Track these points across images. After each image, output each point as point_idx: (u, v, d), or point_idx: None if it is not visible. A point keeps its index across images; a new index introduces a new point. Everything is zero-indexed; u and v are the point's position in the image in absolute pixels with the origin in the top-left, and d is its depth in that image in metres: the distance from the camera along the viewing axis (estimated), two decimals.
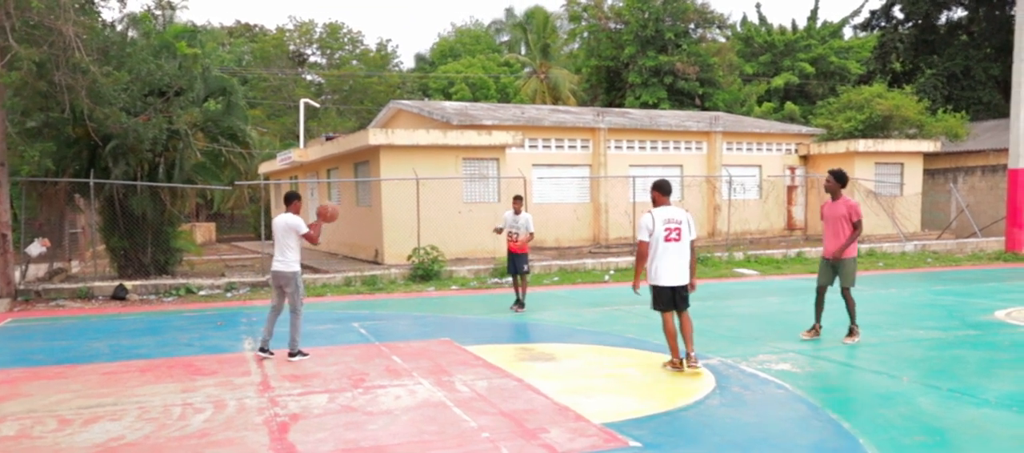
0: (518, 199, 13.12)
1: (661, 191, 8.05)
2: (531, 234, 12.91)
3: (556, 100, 42.80)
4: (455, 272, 18.09)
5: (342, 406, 6.92)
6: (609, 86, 44.19)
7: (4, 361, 9.51)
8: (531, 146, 24.71)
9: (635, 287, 8.24)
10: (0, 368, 8.99)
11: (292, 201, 9.24)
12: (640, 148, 27.01)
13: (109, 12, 15.44)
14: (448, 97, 45.89)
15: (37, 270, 18.35)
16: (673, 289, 7.94)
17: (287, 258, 9.04)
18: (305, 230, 9.03)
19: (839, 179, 9.46)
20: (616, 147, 26.46)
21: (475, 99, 44.43)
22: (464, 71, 46.95)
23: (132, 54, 15.82)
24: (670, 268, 7.92)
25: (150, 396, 7.42)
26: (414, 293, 16.17)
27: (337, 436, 6.05)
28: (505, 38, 53.76)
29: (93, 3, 15.39)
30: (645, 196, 25.30)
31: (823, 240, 9.64)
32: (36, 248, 16.87)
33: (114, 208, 16.97)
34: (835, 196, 9.47)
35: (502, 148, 21.18)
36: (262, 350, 9.19)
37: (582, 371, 8.35)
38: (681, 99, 40.68)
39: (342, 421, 6.46)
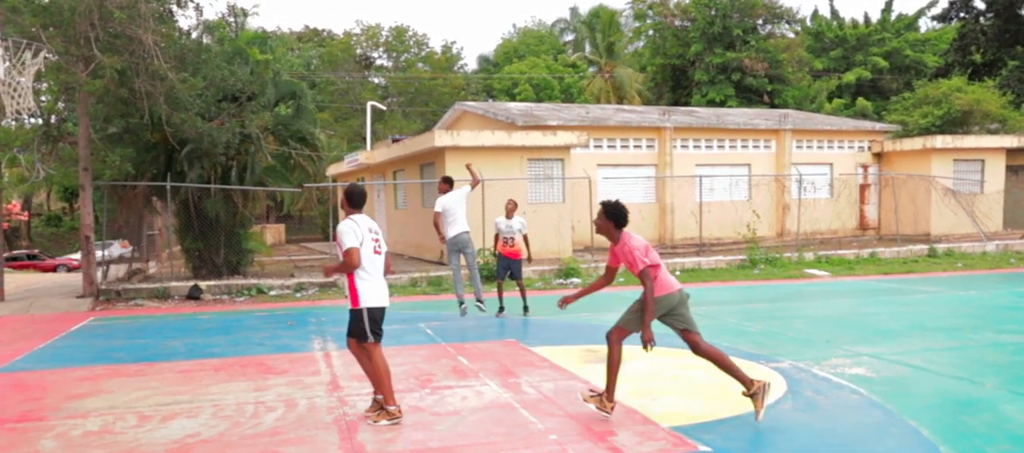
0: (512, 202, 12.94)
1: (351, 201, 6.55)
2: (524, 236, 12.81)
3: (621, 99, 42.51)
4: None
5: (410, 406, 6.98)
6: (675, 84, 43.70)
7: (87, 358, 9.88)
8: (596, 146, 24.57)
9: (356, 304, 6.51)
10: (84, 365, 9.34)
11: (450, 181, 11.79)
12: (707, 147, 26.62)
13: (185, 20, 16.07)
14: (512, 98, 46.02)
15: (117, 270, 19.04)
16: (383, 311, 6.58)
17: (465, 224, 11.69)
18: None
19: (611, 216, 6.40)
20: (682, 146, 26.12)
21: (539, 99, 44.45)
22: (528, 72, 46.98)
23: (207, 61, 16.31)
24: (383, 286, 6.59)
25: (224, 394, 7.60)
26: None
27: (405, 436, 6.11)
28: (569, 38, 53.64)
29: (171, 12, 15.91)
30: (711, 196, 25.09)
31: None
32: (116, 249, 17.50)
33: (189, 210, 17.50)
34: (613, 239, 6.48)
35: (567, 148, 21.12)
36: (461, 302, 12.02)
37: (648, 373, 8.26)
38: (749, 96, 39.99)
39: (410, 421, 6.52)
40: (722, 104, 38.71)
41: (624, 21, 49.54)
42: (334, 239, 6.79)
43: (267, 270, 20.13)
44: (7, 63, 6.68)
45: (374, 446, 5.88)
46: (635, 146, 25.67)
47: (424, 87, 49.34)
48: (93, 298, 15.95)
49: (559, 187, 21.21)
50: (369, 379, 6.68)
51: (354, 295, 6.41)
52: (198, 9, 18.07)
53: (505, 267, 12.78)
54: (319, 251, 29.11)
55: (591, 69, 47.54)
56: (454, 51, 54.60)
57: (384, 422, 6.38)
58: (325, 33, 55.25)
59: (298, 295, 16.43)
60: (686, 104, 40.63)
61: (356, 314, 6.47)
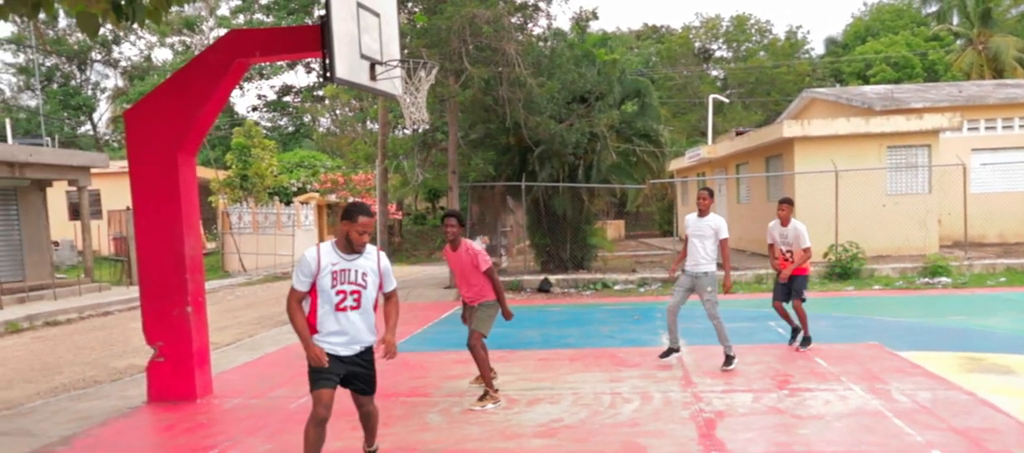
0: (786, 203, 9.38)
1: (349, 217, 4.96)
2: (807, 250, 9.16)
3: (997, 73, 37.20)
4: (877, 270, 16.68)
5: (768, 407, 6.73)
6: None
7: (457, 343, 10.79)
8: (970, 128, 21.84)
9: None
10: (455, 349, 10.29)
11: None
12: None
13: (538, 29, 17.16)
14: (865, 81, 42.47)
15: None
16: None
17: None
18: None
19: (463, 222, 7.46)
20: None
21: (898, 80, 40.49)
22: (884, 51, 43.00)
23: (560, 65, 17.25)
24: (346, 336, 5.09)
25: (581, 383, 7.95)
26: (831, 292, 15.25)
27: (767, 438, 5.89)
28: (933, 8, 48.17)
29: (526, 24, 17.11)
30: None
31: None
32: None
33: (539, 208, 18.62)
34: (455, 244, 7.44)
35: (934, 133, 18.98)
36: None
37: None
38: None
39: (770, 422, 6.28)
40: None
41: None
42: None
43: (609, 265, 20.73)
44: (406, 81, 7.65)
45: (734, 445, 5.75)
46: (1021, 126, 22.32)
47: (765, 76, 47.47)
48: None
49: (924, 176, 19.13)
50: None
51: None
52: (549, 17, 19.29)
53: (781, 285, 9.41)
54: (658, 246, 29.37)
55: (959, 42, 42.22)
56: (799, 36, 51.83)
57: None
58: (663, 29, 55.53)
59: (641, 290, 16.70)
60: None
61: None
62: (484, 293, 7.41)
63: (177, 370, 7.75)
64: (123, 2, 5.60)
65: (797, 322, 9.34)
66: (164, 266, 7.73)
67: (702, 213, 8.57)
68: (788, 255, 9.26)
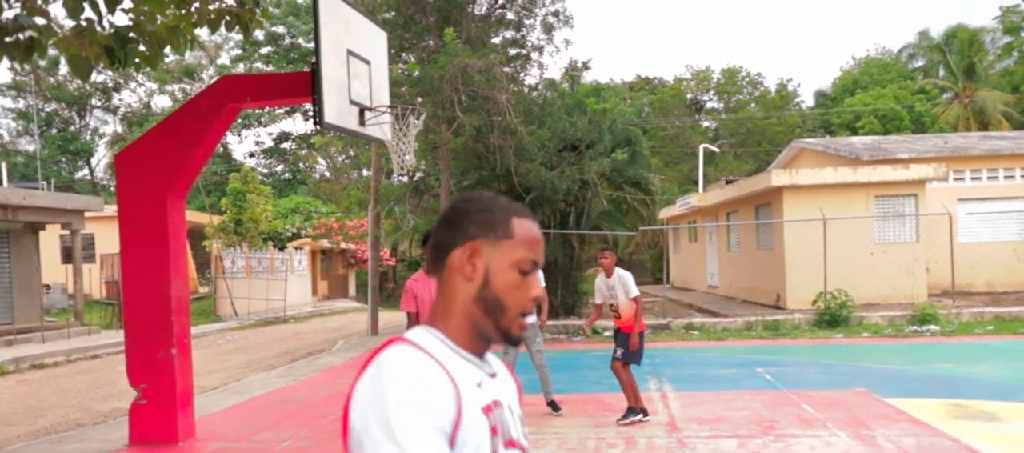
0: (606, 253, 8.30)
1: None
2: (635, 300, 8.05)
3: (983, 126, 37.71)
4: (866, 318, 16.74)
5: None
6: None
7: None
8: (956, 179, 22.07)
9: None
10: None
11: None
12: None
13: (531, 79, 17.48)
14: (854, 132, 42.97)
15: None
16: None
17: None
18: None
19: None
20: None
21: (886, 132, 41.00)
22: (872, 103, 43.61)
23: (551, 114, 17.48)
24: None
25: (566, 428, 7.95)
26: (820, 340, 15.29)
27: None
28: (919, 63, 48.96)
29: (519, 74, 17.39)
30: None
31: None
32: None
33: None
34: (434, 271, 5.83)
35: (921, 183, 19.20)
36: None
37: None
38: None
39: None
40: None
41: (990, 39, 44.07)
42: None
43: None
44: (395, 127, 7.78)
45: None
46: (1007, 177, 22.58)
47: (756, 127, 48.01)
48: None
49: (912, 225, 19.30)
50: None
51: None
52: (541, 67, 19.54)
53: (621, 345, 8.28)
54: (650, 294, 29.32)
55: (945, 95, 42.86)
56: (789, 88, 52.47)
57: None
58: (656, 81, 56.13)
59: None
60: None
61: None
62: None
63: (160, 412, 7.72)
64: (116, 46, 5.72)
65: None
66: (150, 307, 7.75)
67: None
68: (615, 311, 8.12)
